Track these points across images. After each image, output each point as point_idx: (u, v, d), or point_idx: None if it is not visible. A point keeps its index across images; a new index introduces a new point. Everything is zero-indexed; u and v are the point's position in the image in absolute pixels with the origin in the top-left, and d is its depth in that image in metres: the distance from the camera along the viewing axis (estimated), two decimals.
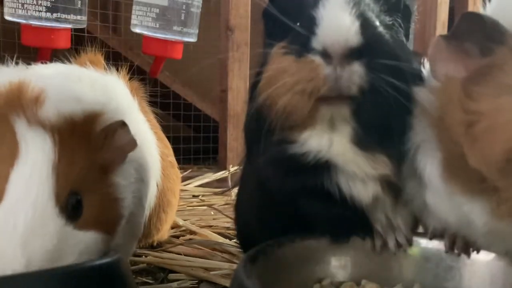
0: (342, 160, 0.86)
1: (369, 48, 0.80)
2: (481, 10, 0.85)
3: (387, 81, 0.80)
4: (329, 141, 0.86)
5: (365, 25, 0.81)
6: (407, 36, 0.98)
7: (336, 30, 0.80)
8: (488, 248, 0.87)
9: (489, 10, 0.83)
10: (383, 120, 0.83)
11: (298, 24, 0.85)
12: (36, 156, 0.78)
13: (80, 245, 0.81)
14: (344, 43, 0.79)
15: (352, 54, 0.79)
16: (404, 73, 0.83)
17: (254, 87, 0.92)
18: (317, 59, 0.80)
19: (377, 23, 0.86)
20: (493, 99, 0.73)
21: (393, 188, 0.90)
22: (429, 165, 0.84)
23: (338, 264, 0.94)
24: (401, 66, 0.82)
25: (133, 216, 1.08)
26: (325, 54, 0.80)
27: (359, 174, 0.87)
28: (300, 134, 0.87)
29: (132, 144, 0.92)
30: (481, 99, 0.74)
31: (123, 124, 0.90)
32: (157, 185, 1.24)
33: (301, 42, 0.83)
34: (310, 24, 0.82)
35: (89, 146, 0.85)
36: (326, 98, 0.83)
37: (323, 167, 0.87)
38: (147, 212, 1.20)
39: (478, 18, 0.78)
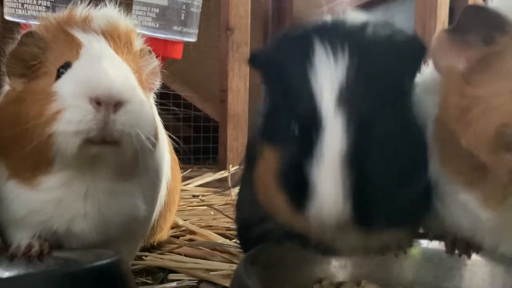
0: None
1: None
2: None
3: None
4: None
5: (357, 202, 0.76)
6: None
7: (325, 207, 0.75)
8: (495, 249, 0.87)
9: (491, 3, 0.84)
10: None
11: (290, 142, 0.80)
12: (96, 42, 0.99)
13: None
14: (336, 217, 0.75)
15: (346, 224, 0.76)
16: None
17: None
18: (314, 218, 0.76)
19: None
20: (490, 84, 0.75)
21: None
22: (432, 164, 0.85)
23: (338, 264, 0.94)
24: None
25: (145, 219, 1.09)
26: (319, 222, 0.77)
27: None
28: None
29: (156, 73, 1.13)
30: (479, 85, 0.76)
31: (150, 51, 1.11)
32: (167, 184, 1.25)
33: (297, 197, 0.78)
34: (303, 186, 0.76)
35: (132, 56, 1.04)
36: None
37: None
38: (157, 211, 1.21)
39: (480, 10, 0.80)
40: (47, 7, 1.61)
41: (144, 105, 0.95)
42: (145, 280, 1.23)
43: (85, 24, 1.02)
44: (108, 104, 0.87)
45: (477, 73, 0.77)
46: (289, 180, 0.79)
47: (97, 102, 0.87)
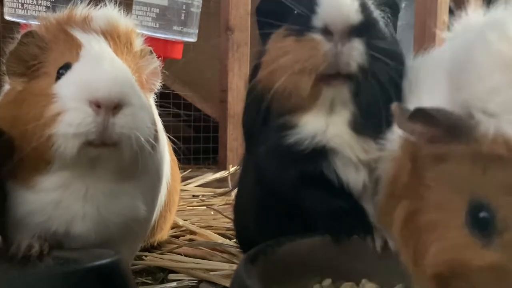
0: (338, 144, 0.87)
1: (367, 27, 0.82)
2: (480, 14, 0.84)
3: (384, 60, 0.83)
4: (326, 125, 0.87)
5: (364, 5, 0.83)
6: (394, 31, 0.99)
7: (337, 7, 0.81)
8: None
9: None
10: (380, 100, 0.84)
11: (297, 10, 0.86)
12: (96, 42, 0.98)
13: None
14: (345, 19, 0.81)
15: (352, 32, 0.81)
16: (397, 55, 0.87)
17: (252, 77, 0.93)
18: (318, 36, 0.82)
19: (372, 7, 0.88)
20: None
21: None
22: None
23: (338, 264, 0.94)
24: (394, 47, 0.87)
25: (145, 220, 1.09)
26: (326, 31, 0.81)
27: (353, 159, 0.87)
28: (297, 119, 0.87)
29: (157, 73, 1.13)
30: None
31: (151, 52, 1.11)
32: (166, 185, 1.25)
33: (301, 22, 0.84)
34: (310, 4, 0.83)
35: (132, 56, 1.04)
36: (326, 78, 0.83)
37: (320, 152, 0.87)
38: (157, 212, 1.21)
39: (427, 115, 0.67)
40: (47, 7, 1.61)
41: (143, 107, 0.95)
42: (145, 280, 1.24)
43: (85, 24, 1.02)
44: (107, 107, 0.88)
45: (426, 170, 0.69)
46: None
47: (97, 105, 0.87)
